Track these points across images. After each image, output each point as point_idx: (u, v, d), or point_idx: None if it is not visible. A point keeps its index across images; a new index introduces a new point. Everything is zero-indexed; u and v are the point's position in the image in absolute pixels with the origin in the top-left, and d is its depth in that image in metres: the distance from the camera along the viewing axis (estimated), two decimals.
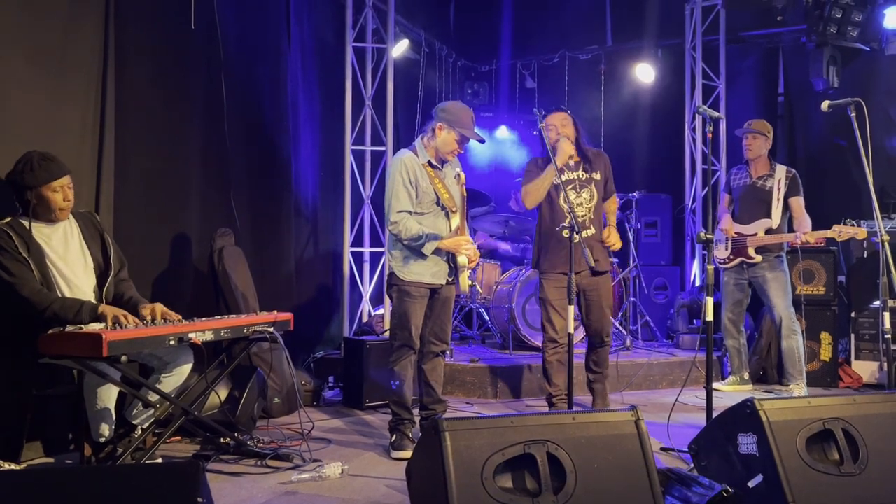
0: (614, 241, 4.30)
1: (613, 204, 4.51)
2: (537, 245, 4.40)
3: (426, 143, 3.83)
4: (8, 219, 3.17)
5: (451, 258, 3.80)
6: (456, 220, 3.78)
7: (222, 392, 3.91)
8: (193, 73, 4.64)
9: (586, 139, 4.33)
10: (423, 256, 3.73)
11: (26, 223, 3.16)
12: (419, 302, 3.76)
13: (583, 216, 4.24)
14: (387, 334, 5.30)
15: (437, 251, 3.73)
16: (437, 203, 3.77)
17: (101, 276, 3.38)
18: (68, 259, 3.28)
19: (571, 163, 4.25)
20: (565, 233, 4.02)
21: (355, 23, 6.06)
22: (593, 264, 3.82)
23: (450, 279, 3.84)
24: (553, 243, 4.24)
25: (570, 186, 4.23)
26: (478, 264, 6.09)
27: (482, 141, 3.99)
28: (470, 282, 3.88)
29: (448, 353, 4.50)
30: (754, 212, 5.16)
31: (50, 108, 3.65)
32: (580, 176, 4.28)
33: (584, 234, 4.17)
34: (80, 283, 3.29)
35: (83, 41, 3.82)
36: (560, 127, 4.20)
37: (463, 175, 3.92)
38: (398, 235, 3.71)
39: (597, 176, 4.29)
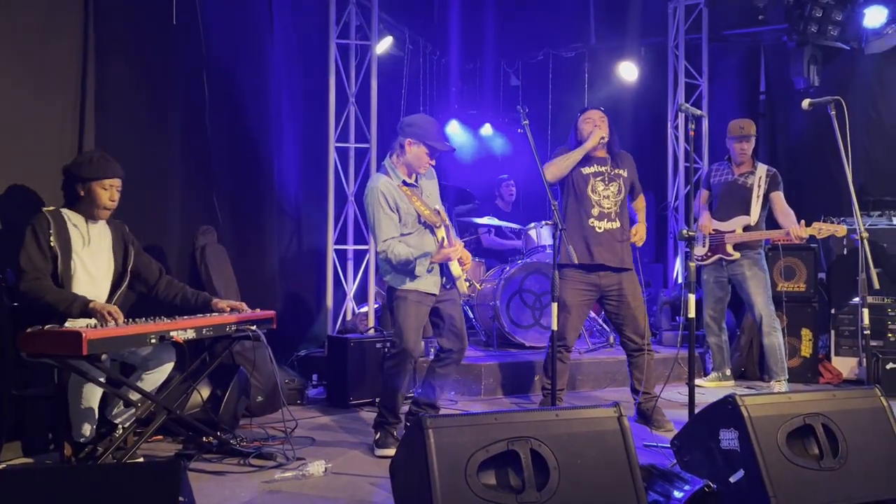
0: (642, 236, 4.35)
1: (642, 202, 4.53)
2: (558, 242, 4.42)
3: (396, 162, 3.79)
4: (52, 207, 3.33)
5: (444, 269, 3.79)
6: (441, 234, 3.76)
7: (204, 391, 3.88)
8: (175, 69, 4.59)
9: (617, 141, 4.40)
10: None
11: (67, 213, 3.33)
12: (420, 308, 3.74)
13: (609, 208, 4.27)
14: (371, 332, 5.32)
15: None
16: (420, 221, 3.76)
17: (115, 285, 3.48)
18: (95, 258, 3.39)
19: (600, 157, 4.31)
20: (591, 221, 4.20)
21: (339, 19, 6.02)
22: (577, 261, 3.84)
23: (447, 286, 3.83)
24: (575, 239, 4.19)
25: (598, 178, 4.28)
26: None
27: (452, 150, 4.00)
28: (467, 283, 3.87)
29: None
30: (733, 208, 5.20)
31: (29, 104, 3.60)
32: (608, 170, 4.31)
33: (609, 226, 4.26)
34: (99, 283, 3.39)
35: (63, 36, 3.77)
36: (598, 120, 4.29)
37: (434, 182, 3.93)
38: (388, 262, 3.71)
39: (623, 173, 4.34)
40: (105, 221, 3.46)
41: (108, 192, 3.35)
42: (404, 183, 3.75)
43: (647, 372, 4.27)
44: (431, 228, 3.78)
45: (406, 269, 3.68)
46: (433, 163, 3.81)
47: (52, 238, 3.21)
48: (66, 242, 3.26)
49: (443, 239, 3.73)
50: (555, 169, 4.23)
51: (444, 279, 3.80)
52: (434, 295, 3.79)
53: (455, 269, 3.76)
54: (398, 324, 3.74)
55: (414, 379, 4.00)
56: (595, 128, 4.26)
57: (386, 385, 3.79)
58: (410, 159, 3.75)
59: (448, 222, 3.83)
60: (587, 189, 4.26)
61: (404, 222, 3.73)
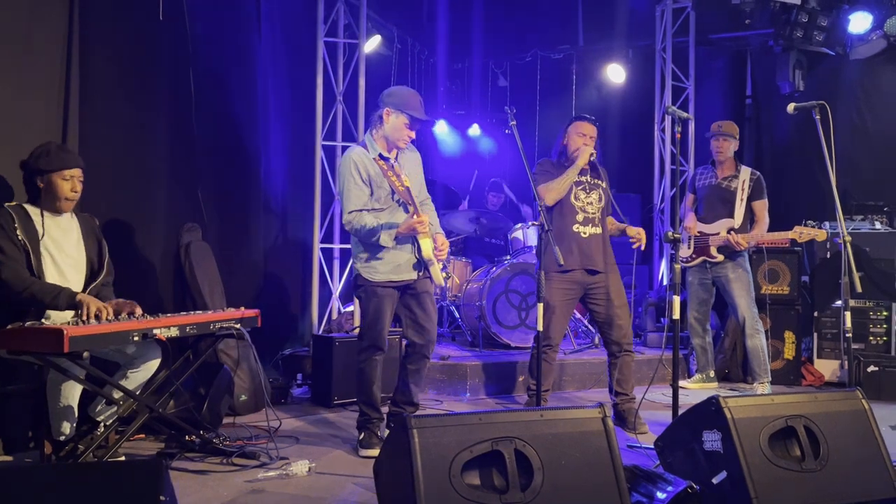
0: (643, 237, 4.35)
1: (612, 221, 4.55)
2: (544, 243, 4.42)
3: (375, 136, 3.70)
4: (14, 202, 3.28)
5: (417, 250, 3.71)
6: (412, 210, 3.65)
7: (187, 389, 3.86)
8: (160, 65, 4.55)
9: (599, 154, 4.48)
10: (385, 251, 3.64)
11: (30, 208, 3.27)
12: (387, 301, 3.70)
13: (593, 214, 4.35)
14: (356, 331, 5.29)
15: (400, 240, 3.62)
16: (393, 198, 3.67)
17: (91, 277, 3.42)
18: (64, 250, 3.33)
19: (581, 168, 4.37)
20: (575, 227, 4.25)
21: (327, 17, 6.01)
22: (562, 262, 3.85)
23: (420, 273, 3.75)
24: (562, 245, 4.19)
25: (579, 187, 4.35)
26: (448, 260, 6.08)
27: (432, 123, 3.93)
28: (444, 274, 3.82)
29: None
30: (717, 212, 5.24)
31: (12, 99, 3.56)
32: (588, 180, 4.38)
33: (593, 231, 4.32)
34: (71, 276, 3.32)
35: (47, 31, 3.73)
36: (589, 138, 4.34)
37: (417, 156, 3.86)
38: (355, 234, 3.65)
39: (602, 184, 4.44)
40: (72, 214, 3.40)
41: (69, 182, 3.28)
42: (380, 156, 3.64)
43: (628, 373, 4.30)
44: (405, 206, 3.66)
45: (371, 240, 3.58)
46: (412, 135, 3.70)
47: (18, 232, 3.16)
48: (33, 237, 3.22)
49: (412, 211, 3.59)
50: (554, 193, 4.25)
51: (416, 263, 3.70)
52: (407, 284, 3.73)
53: (426, 250, 3.63)
54: (368, 317, 3.71)
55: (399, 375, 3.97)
56: (585, 145, 4.31)
57: (359, 379, 3.77)
58: (389, 131, 3.64)
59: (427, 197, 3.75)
60: (570, 197, 4.31)
61: (377, 197, 3.63)
